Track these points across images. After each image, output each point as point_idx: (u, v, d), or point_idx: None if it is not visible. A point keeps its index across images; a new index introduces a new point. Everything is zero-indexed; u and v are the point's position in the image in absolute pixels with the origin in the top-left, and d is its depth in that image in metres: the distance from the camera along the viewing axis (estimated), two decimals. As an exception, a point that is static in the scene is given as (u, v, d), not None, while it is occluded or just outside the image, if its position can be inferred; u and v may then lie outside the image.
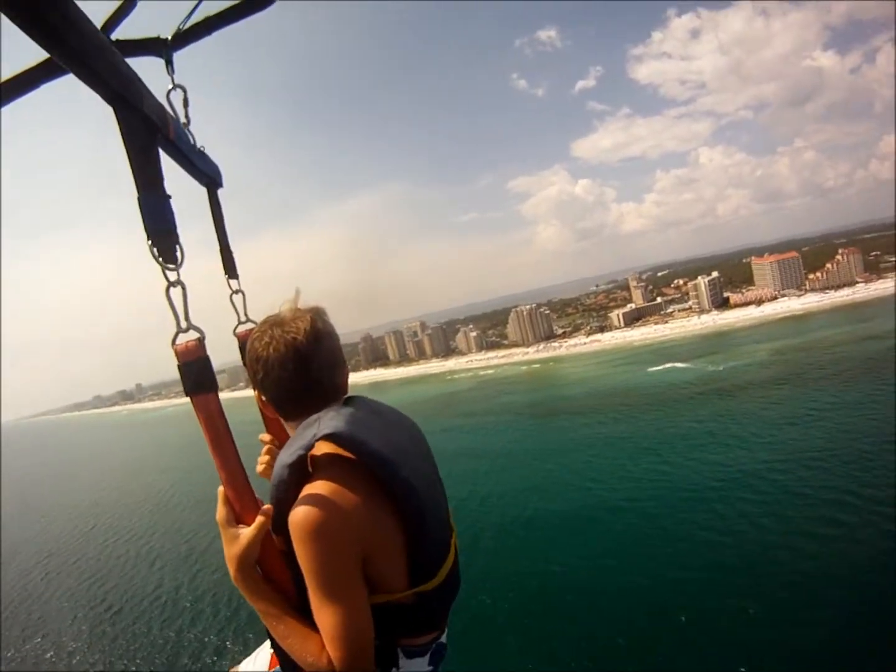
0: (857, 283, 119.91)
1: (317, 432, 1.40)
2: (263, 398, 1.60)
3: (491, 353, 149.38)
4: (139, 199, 1.24)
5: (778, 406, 50.17)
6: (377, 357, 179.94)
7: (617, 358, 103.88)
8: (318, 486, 1.35)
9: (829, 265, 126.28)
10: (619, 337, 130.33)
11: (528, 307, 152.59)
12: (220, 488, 1.43)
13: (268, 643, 2.08)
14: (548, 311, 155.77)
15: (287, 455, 1.43)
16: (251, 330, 1.68)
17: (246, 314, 2.07)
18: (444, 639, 1.68)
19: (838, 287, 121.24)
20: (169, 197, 1.31)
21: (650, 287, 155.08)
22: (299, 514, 1.31)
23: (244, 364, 1.63)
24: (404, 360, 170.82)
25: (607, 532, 31.58)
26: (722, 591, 23.57)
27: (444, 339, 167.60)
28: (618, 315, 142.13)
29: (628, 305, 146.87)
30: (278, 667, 1.75)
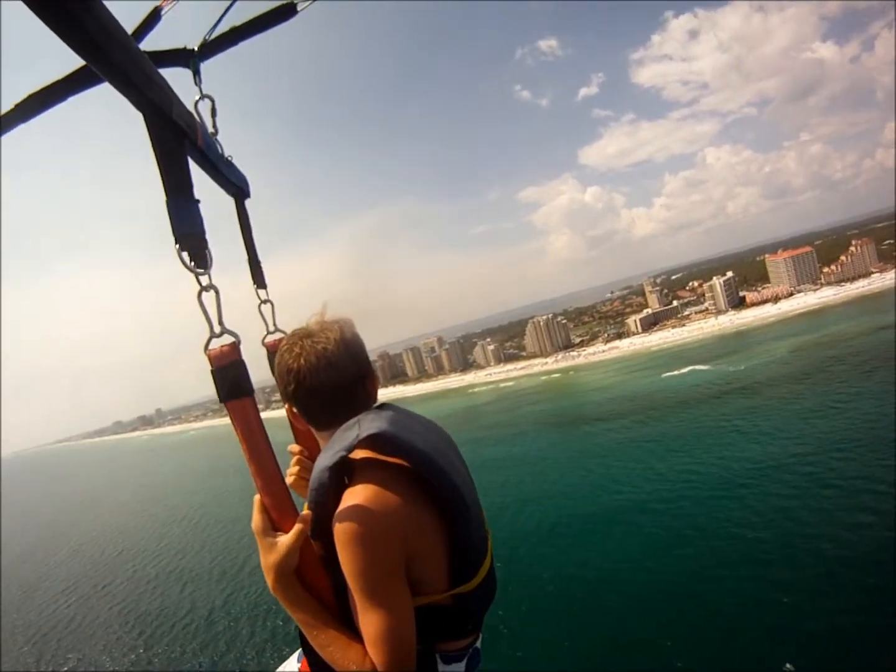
0: (873, 273, 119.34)
1: (359, 433, 1.42)
2: (295, 410, 1.63)
3: (510, 366, 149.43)
4: (167, 203, 1.25)
5: (803, 400, 50.77)
6: (395, 374, 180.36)
7: (637, 364, 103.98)
8: (361, 490, 1.36)
9: (843, 257, 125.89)
10: (638, 343, 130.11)
11: (544, 317, 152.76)
12: (256, 496, 1.42)
13: (293, 657, 2.15)
14: (564, 321, 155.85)
15: (327, 457, 1.44)
16: (280, 340, 1.79)
17: (275, 324, 2.10)
18: (478, 644, 1.71)
19: (854, 279, 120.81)
20: (197, 202, 1.32)
21: (665, 291, 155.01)
22: (344, 520, 1.31)
23: (273, 374, 1.68)
24: (423, 375, 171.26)
25: (644, 534, 32.21)
26: (764, 584, 24.12)
27: (461, 354, 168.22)
28: (635, 321, 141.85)
29: (644, 310, 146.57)
30: None
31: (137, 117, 1.19)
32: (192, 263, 1.28)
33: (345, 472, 1.47)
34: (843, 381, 53.00)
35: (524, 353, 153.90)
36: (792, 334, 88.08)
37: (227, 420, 1.32)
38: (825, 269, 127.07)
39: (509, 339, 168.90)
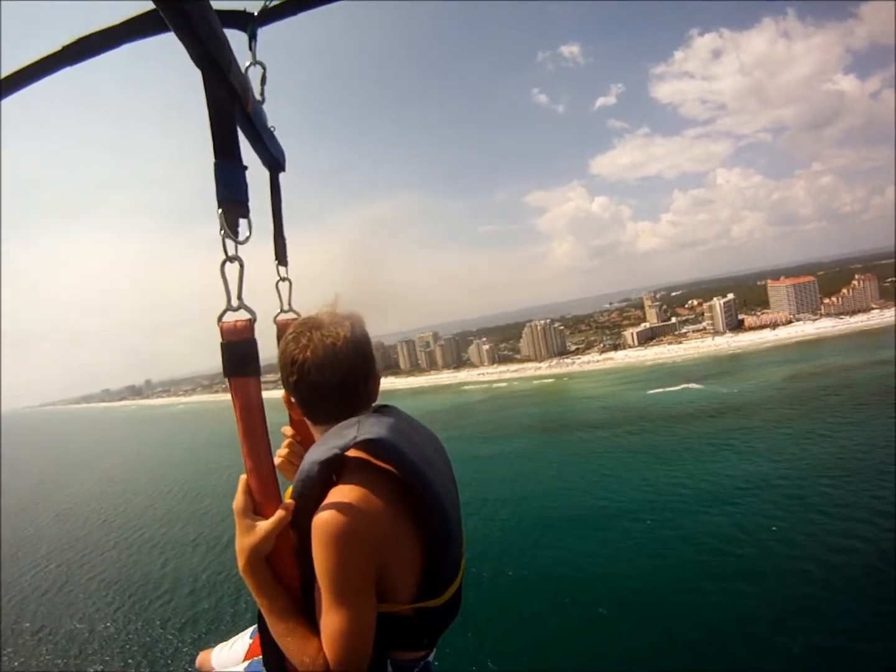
0: (873, 309, 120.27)
1: (357, 435, 1.39)
2: (293, 399, 1.61)
3: (503, 367, 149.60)
4: (215, 165, 1.23)
5: (795, 425, 50.90)
6: (388, 365, 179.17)
7: (631, 376, 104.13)
8: (348, 490, 1.34)
9: (845, 290, 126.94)
10: (633, 356, 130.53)
11: (542, 322, 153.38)
12: (242, 476, 1.41)
13: (247, 632, 2.16)
14: (562, 327, 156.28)
15: (320, 452, 1.42)
16: (292, 321, 1.77)
17: (290, 303, 2.07)
18: (431, 658, 1.71)
19: (853, 313, 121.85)
20: (245, 168, 1.30)
21: (664, 307, 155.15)
22: (326, 517, 1.29)
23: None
24: (415, 369, 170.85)
25: (633, 541, 32.18)
26: (750, 600, 24.00)
27: (456, 351, 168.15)
28: (631, 333, 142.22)
29: (642, 324, 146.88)
30: (255, 658, 1.88)
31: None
32: (228, 229, 1.27)
33: (334, 470, 1.44)
34: (835, 411, 53.28)
35: (518, 356, 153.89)
36: (787, 361, 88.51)
37: (216, 397, 1.29)
38: (826, 300, 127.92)
39: (505, 340, 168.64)
